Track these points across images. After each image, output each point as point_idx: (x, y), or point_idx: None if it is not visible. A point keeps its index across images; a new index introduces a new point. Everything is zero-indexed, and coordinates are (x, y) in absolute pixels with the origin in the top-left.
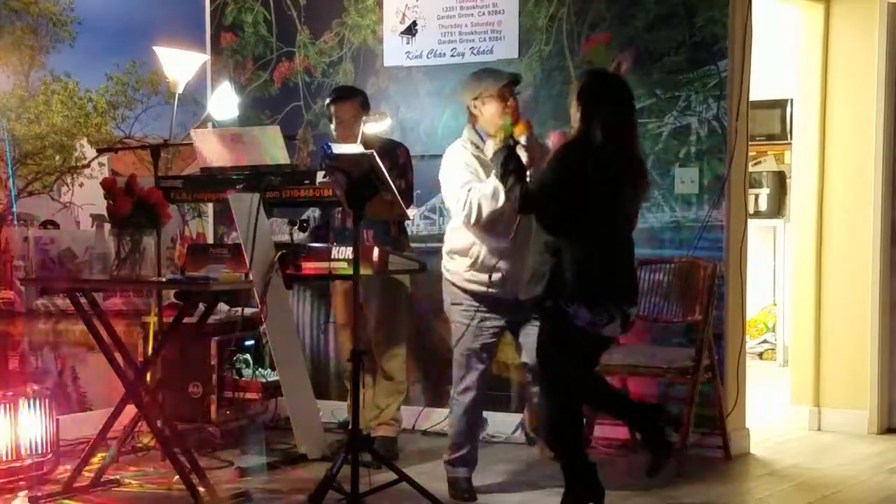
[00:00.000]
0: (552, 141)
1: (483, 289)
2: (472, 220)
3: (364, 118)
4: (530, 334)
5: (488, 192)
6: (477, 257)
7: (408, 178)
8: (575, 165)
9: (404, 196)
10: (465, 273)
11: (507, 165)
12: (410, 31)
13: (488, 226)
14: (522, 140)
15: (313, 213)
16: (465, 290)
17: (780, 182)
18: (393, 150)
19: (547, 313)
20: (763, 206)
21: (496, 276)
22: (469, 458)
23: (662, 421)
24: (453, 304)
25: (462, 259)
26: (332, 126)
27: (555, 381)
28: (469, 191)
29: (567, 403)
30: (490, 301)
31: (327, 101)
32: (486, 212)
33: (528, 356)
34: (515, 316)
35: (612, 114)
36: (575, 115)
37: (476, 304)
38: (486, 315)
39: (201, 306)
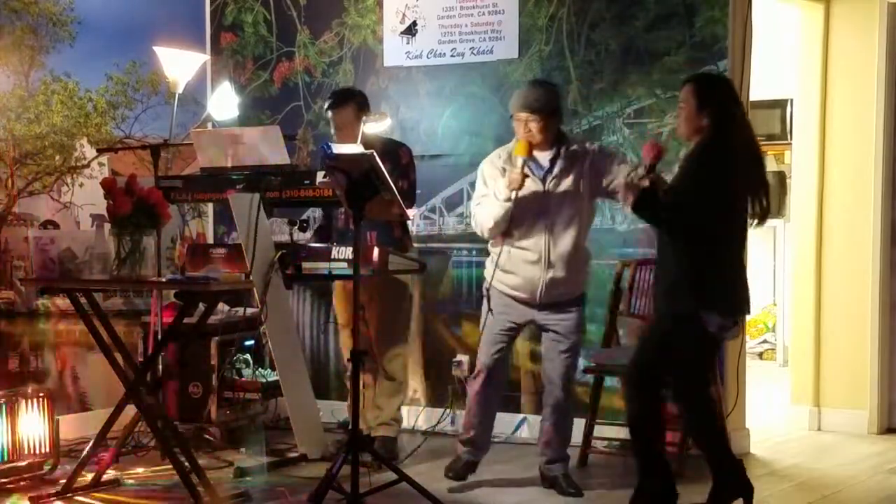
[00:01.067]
0: (644, 151)
1: (504, 288)
2: (479, 232)
3: (364, 118)
4: (557, 349)
5: (485, 212)
6: (497, 261)
7: (410, 179)
8: (720, 172)
9: (406, 196)
10: (491, 270)
11: (639, 207)
12: (410, 31)
13: (501, 234)
14: (518, 162)
15: (313, 213)
16: (495, 289)
17: (780, 182)
18: (395, 151)
19: (679, 320)
20: None
21: (515, 279)
22: (475, 440)
23: (734, 487)
24: (485, 291)
25: (490, 258)
26: (332, 129)
27: (648, 384)
28: (477, 205)
29: (654, 408)
30: (511, 300)
31: (325, 105)
32: (485, 230)
33: (551, 371)
34: (537, 316)
35: (741, 115)
36: (696, 118)
37: (498, 300)
38: (504, 311)
39: (201, 306)
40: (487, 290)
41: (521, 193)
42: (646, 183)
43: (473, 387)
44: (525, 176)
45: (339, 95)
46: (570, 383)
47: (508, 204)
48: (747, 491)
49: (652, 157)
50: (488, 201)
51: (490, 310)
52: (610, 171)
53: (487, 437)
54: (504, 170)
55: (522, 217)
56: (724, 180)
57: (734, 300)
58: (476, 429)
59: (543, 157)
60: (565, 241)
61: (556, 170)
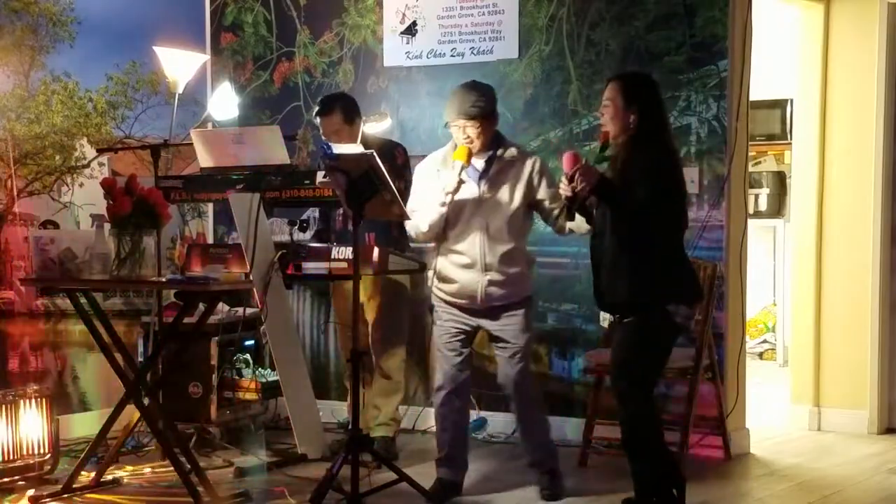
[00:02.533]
0: (567, 161)
1: (444, 296)
2: (413, 236)
3: (364, 118)
4: (505, 356)
5: (420, 216)
6: (437, 270)
7: (406, 179)
8: (664, 166)
9: (403, 196)
10: (434, 282)
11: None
12: (410, 31)
13: (436, 239)
14: (457, 167)
15: (313, 213)
16: (436, 296)
17: (780, 182)
18: (391, 151)
19: (644, 314)
20: (763, 206)
21: (453, 286)
22: (450, 458)
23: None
24: (431, 307)
25: (435, 270)
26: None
27: (642, 381)
28: (413, 210)
29: (651, 404)
30: (453, 308)
31: (314, 112)
32: (419, 234)
33: (503, 378)
34: (483, 322)
35: (663, 112)
36: (623, 115)
37: (442, 309)
38: (449, 316)
39: (201, 306)
40: (431, 301)
41: (456, 197)
42: (569, 193)
43: (436, 402)
44: (461, 182)
45: (323, 103)
46: (528, 387)
47: (443, 208)
48: (681, 482)
49: (576, 165)
50: (423, 206)
51: (434, 321)
52: (539, 190)
53: (463, 453)
54: (438, 172)
55: (456, 221)
56: (677, 171)
57: (693, 288)
58: (449, 446)
59: (478, 160)
60: (501, 244)
61: (490, 173)
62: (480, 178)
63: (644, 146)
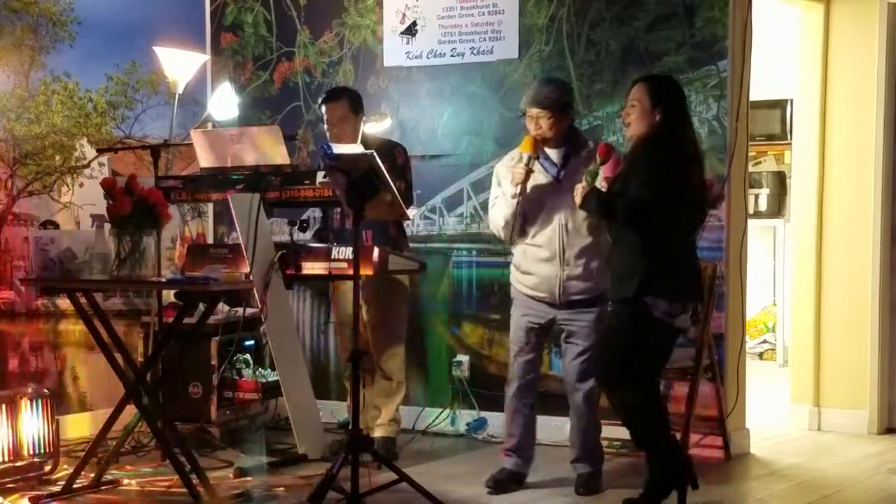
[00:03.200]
0: (600, 151)
1: (523, 288)
2: (496, 234)
3: (364, 118)
4: (574, 352)
5: (496, 212)
6: (516, 262)
7: (407, 179)
8: (673, 167)
9: (404, 196)
10: (513, 273)
11: (590, 205)
12: (410, 31)
13: (513, 232)
14: (523, 158)
15: (313, 213)
16: (515, 289)
17: (780, 182)
18: (391, 151)
19: (626, 307)
20: (763, 206)
21: (532, 279)
22: (517, 449)
23: (679, 481)
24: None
25: (513, 262)
26: (325, 127)
27: (635, 374)
28: (492, 207)
29: (649, 394)
30: (531, 300)
31: (319, 101)
32: (498, 229)
33: (569, 374)
34: (558, 315)
35: (687, 114)
36: (648, 117)
37: (520, 301)
38: (525, 311)
39: (201, 306)
40: (511, 294)
41: (533, 190)
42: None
43: (507, 395)
44: (529, 171)
45: (331, 91)
46: (591, 387)
47: (514, 201)
48: (693, 477)
49: (607, 158)
50: (500, 201)
51: (513, 311)
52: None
53: (530, 445)
54: (512, 166)
55: (535, 215)
56: (680, 176)
57: (681, 286)
58: (515, 437)
59: (555, 153)
60: (580, 238)
61: (569, 166)
62: (559, 171)
63: (660, 146)
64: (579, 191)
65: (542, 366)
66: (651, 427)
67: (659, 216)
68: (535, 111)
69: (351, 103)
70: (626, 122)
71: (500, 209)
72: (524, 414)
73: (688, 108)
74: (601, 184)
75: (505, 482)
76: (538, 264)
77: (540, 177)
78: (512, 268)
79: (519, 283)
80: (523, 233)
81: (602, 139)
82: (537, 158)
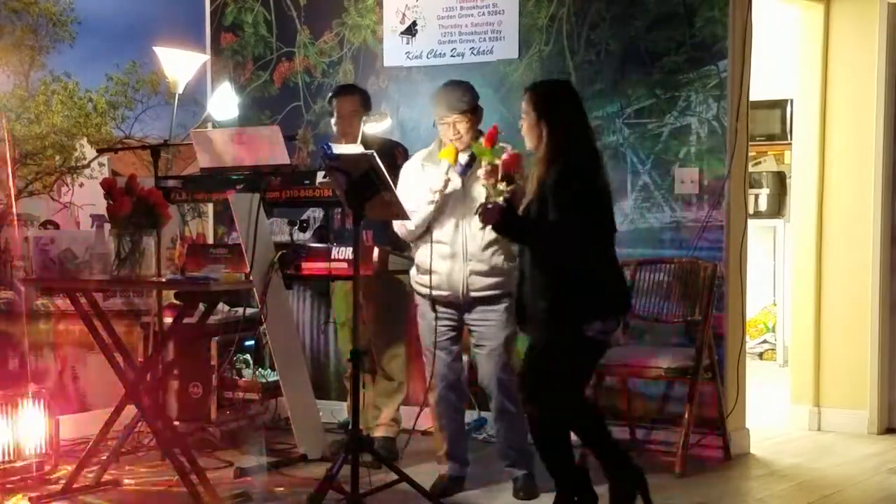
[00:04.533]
0: (505, 159)
1: (423, 290)
2: (401, 235)
3: (364, 118)
4: (482, 354)
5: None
6: (418, 262)
7: None
8: (576, 184)
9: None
10: (414, 275)
11: (511, 228)
12: (410, 31)
13: (420, 237)
14: (444, 167)
15: (313, 213)
16: (417, 293)
17: (780, 182)
18: (391, 151)
19: (556, 330)
20: (763, 206)
21: (435, 278)
22: (452, 454)
23: (631, 488)
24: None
25: (415, 262)
26: (333, 121)
27: (555, 394)
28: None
29: (564, 415)
30: (437, 301)
31: (329, 95)
32: (408, 233)
33: (483, 377)
34: (466, 318)
35: (579, 118)
36: (536, 128)
37: (424, 304)
38: (431, 314)
39: (201, 306)
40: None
41: (444, 193)
42: (502, 197)
43: (432, 401)
44: (448, 180)
45: (345, 85)
46: (508, 387)
47: (432, 206)
48: (642, 480)
49: (515, 168)
50: (410, 204)
51: (420, 316)
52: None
53: (463, 448)
54: (423, 167)
55: (440, 213)
56: (590, 187)
57: (613, 303)
58: (449, 442)
59: (463, 155)
60: (482, 233)
61: (474, 166)
62: (463, 171)
63: (553, 161)
64: (485, 211)
65: (461, 367)
66: (597, 433)
67: (582, 238)
68: (452, 117)
69: (362, 99)
70: (522, 133)
71: (414, 214)
72: (451, 417)
73: (582, 112)
74: (502, 191)
75: (445, 489)
76: (441, 261)
77: (452, 180)
78: (413, 270)
79: (421, 284)
80: (426, 234)
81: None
82: (454, 166)
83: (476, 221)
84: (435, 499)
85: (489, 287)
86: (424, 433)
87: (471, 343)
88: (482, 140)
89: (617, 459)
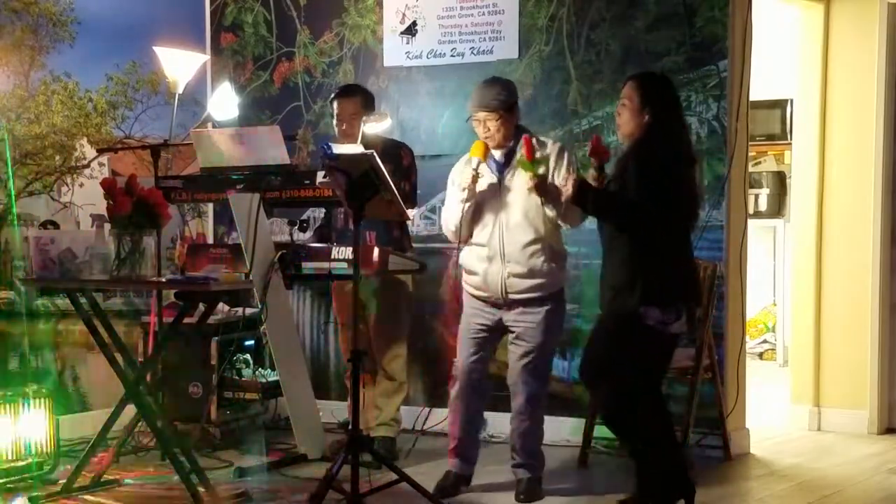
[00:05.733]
0: (591, 145)
1: (470, 289)
2: (447, 235)
3: (364, 118)
4: (517, 353)
5: (446, 216)
6: (462, 262)
7: (411, 180)
8: (665, 170)
9: (408, 197)
10: (462, 274)
11: (588, 204)
12: (410, 31)
13: (462, 235)
14: (473, 163)
15: (313, 213)
16: (464, 291)
17: (780, 182)
18: (397, 152)
19: (621, 318)
20: (763, 206)
21: (476, 279)
22: (459, 451)
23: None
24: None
25: (461, 263)
26: (334, 122)
27: (618, 381)
28: (445, 209)
29: (650, 402)
30: (477, 300)
31: (331, 97)
32: (448, 232)
33: (511, 376)
34: (505, 317)
35: (679, 114)
36: (638, 115)
37: (468, 302)
38: (473, 313)
39: (201, 306)
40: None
41: (480, 190)
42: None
43: (451, 394)
44: (476, 176)
45: (346, 86)
46: (533, 390)
47: (464, 205)
48: (691, 491)
49: (602, 156)
50: (451, 205)
51: (462, 312)
52: (553, 179)
53: (473, 447)
54: (464, 168)
55: (479, 215)
56: (673, 177)
57: (674, 293)
58: (458, 438)
59: (499, 153)
60: (519, 235)
61: (511, 164)
62: (500, 170)
63: (649, 147)
64: (571, 183)
65: (488, 367)
66: (650, 434)
67: (654, 221)
68: (482, 114)
69: (364, 100)
70: (618, 121)
71: (451, 213)
72: (467, 415)
73: (681, 108)
74: (591, 179)
75: (450, 487)
76: (481, 263)
77: (486, 178)
78: (461, 269)
79: (466, 283)
80: (470, 234)
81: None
82: (485, 161)
83: (513, 223)
84: (435, 499)
85: (529, 289)
86: (424, 433)
87: (509, 340)
88: (522, 152)
89: (675, 469)
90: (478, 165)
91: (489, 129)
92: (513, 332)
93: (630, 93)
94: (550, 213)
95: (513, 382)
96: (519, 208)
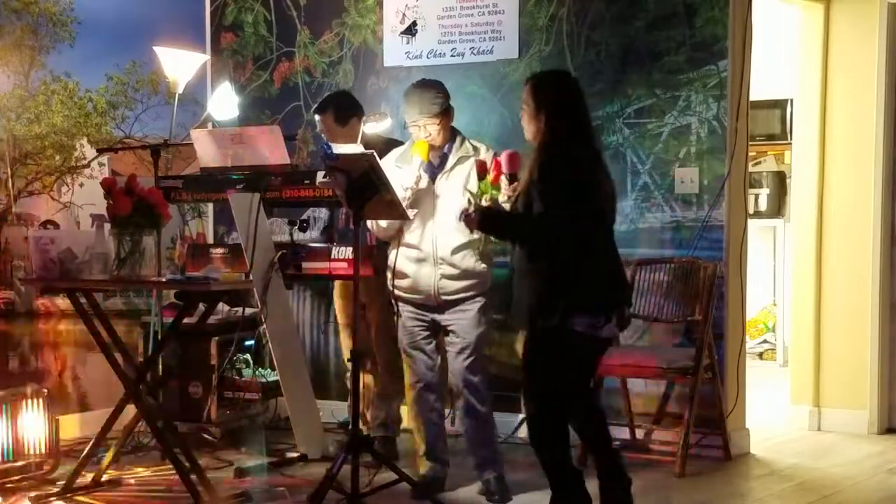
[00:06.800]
0: (505, 159)
1: (400, 293)
2: (374, 232)
3: (364, 118)
4: (454, 350)
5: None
6: (390, 265)
7: None
8: (570, 173)
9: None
10: (389, 277)
11: (495, 223)
12: (410, 31)
13: (393, 235)
14: (415, 163)
15: (313, 213)
16: (393, 295)
17: (780, 182)
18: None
19: (542, 324)
20: (763, 206)
21: (407, 281)
22: (430, 454)
23: (622, 491)
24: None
25: (389, 265)
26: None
27: (547, 392)
28: None
29: (557, 414)
30: (409, 304)
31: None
32: (379, 231)
33: (453, 374)
34: (439, 318)
35: (579, 109)
36: (536, 119)
37: (401, 304)
38: (408, 314)
39: (201, 306)
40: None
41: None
42: (485, 199)
43: (410, 400)
44: (419, 177)
45: (320, 102)
46: (477, 385)
47: (405, 204)
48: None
49: (515, 168)
50: None
51: (398, 316)
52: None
53: (441, 448)
54: (398, 168)
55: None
56: (574, 178)
57: (602, 297)
58: (428, 442)
59: (434, 154)
60: (452, 237)
61: (445, 167)
62: (434, 172)
63: (546, 151)
64: (468, 213)
65: (438, 367)
66: (546, 446)
67: (567, 230)
68: (423, 120)
69: (336, 114)
70: (522, 124)
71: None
72: (429, 418)
73: (582, 102)
74: (504, 195)
75: (424, 491)
76: (412, 265)
77: (422, 180)
78: (388, 272)
79: (398, 287)
80: (399, 233)
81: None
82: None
83: (444, 224)
84: (435, 499)
85: (461, 290)
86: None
87: (444, 339)
88: (489, 177)
89: (611, 462)
90: (420, 167)
91: (430, 134)
92: (447, 330)
93: (526, 96)
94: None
95: (455, 381)
96: (451, 211)
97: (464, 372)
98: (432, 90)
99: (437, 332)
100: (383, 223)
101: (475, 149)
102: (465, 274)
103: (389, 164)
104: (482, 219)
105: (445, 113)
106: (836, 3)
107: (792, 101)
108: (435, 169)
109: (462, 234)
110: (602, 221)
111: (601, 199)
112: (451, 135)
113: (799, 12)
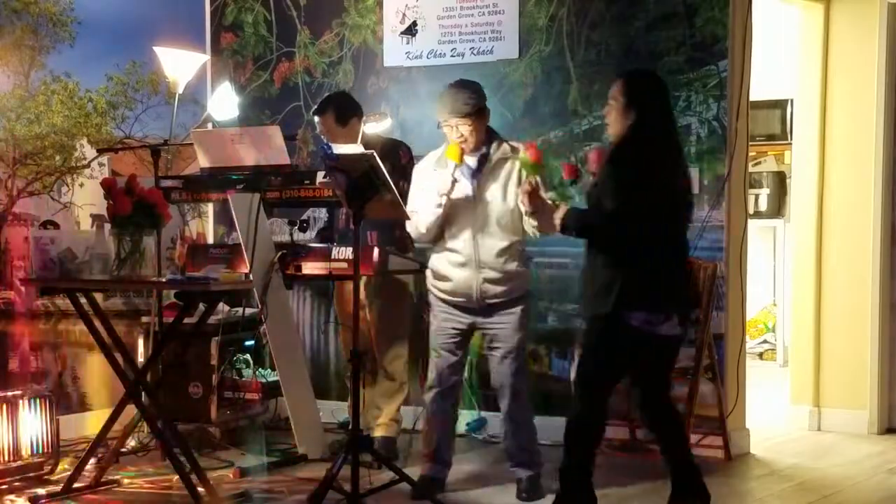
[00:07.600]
0: (593, 158)
1: (440, 294)
2: (415, 237)
3: (364, 118)
4: (497, 356)
5: (419, 218)
6: (432, 267)
7: (409, 179)
8: (649, 171)
9: (406, 196)
10: (429, 278)
11: (574, 225)
12: (410, 31)
13: (432, 237)
14: (450, 167)
15: (313, 213)
16: (433, 295)
17: (780, 182)
18: (395, 151)
19: (599, 321)
20: (763, 206)
21: (449, 284)
22: (435, 455)
23: (694, 485)
24: (428, 304)
25: (430, 266)
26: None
27: (587, 380)
28: (413, 210)
29: (592, 403)
30: (449, 305)
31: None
32: (420, 235)
33: (496, 379)
34: (478, 321)
35: (668, 111)
36: (624, 116)
37: (438, 307)
38: (445, 317)
39: (201, 306)
40: (428, 299)
41: (451, 196)
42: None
43: (427, 401)
44: (455, 181)
45: (320, 103)
46: (520, 389)
47: (439, 210)
48: (705, 498)
49: (572, 176)
50: (421, 207)
51: (430, 320)
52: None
53: (448, 450)
54: (435, 172)
55: (452, 219)
56: (649, 180)
57: (663, 295)
58: (434, 443)
59: (471, 158)
60: (494, 241)
61: (483, 170)
62: (473, 175)
63: (627, 149)
64: (560, 213)
65: (464, 371)
66: (570, 433)
67: (635, 225)
68: (454, 121)
69: (336, 115)
70: (607, 120)
71: (423, 216)
72: (443, 419)
73: (670, 105)
74: (568, 196)
75: (423, 490)
76: (454, 269)
77: (459, 184)
78: (428, 273)
79: (436, 288)
80: (440, 237)
81: (602, 142)
82: (461, 166)
83: (488, 230)
84: (436, 499)
85: (503, 293)
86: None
87: (484, 345)
88: (527, 153)
89: (685, 475)
90: (454, 170)
91: (462, 135)
92: (488, 335)
93: (615, 92)
94: (532, 223)
95: (499, 385)
96: (492, 215)
97: (507, 377)
98: (467, 91)
99: (472, 333)
100: (422, 227)
101: (513, 149)
102: (507, 277)
103: (428, 168)
104: (563, 224)
105: (479, 114)
106: (836, 3)
107: (792, 101)
108: (476, 172)
109: (505, 238)
110: (677, 223)
111: (677, 204)
112: (488, 137)
113: (799, 12)
